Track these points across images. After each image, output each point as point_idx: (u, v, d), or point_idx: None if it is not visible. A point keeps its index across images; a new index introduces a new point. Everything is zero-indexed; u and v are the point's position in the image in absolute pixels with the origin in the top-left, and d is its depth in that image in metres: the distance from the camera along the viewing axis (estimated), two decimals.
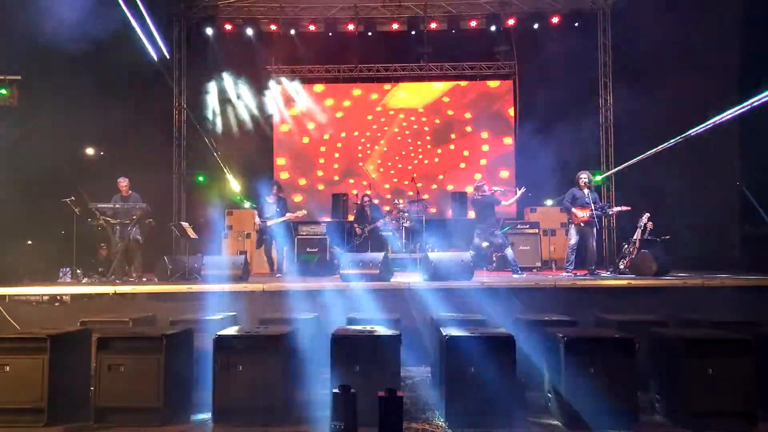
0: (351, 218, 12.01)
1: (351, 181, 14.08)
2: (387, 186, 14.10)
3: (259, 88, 13.88)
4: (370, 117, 14.27)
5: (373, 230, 11.00)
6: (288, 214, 9.72)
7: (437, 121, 14.22)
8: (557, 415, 4.80)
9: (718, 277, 7.53)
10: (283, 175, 14.11)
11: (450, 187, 13.84)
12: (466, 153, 14.13)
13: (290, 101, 14.18)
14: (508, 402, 4.62)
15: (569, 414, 4.60)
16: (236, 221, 12.23)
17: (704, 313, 6.06)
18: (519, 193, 9.28)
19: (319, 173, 14.26)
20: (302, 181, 14.22)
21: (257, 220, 9.86)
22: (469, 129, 14.14)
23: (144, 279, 8.57)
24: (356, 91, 14.34)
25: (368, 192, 11.77)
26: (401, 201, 12.10)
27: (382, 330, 5.00)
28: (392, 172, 14.18)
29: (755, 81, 8.75)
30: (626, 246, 9.35)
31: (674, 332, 5.00)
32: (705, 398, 4.55)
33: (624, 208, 9.31)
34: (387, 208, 11.60)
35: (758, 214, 9.32)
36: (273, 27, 13.56)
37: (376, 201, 12.39)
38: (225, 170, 12.95)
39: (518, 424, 4.60)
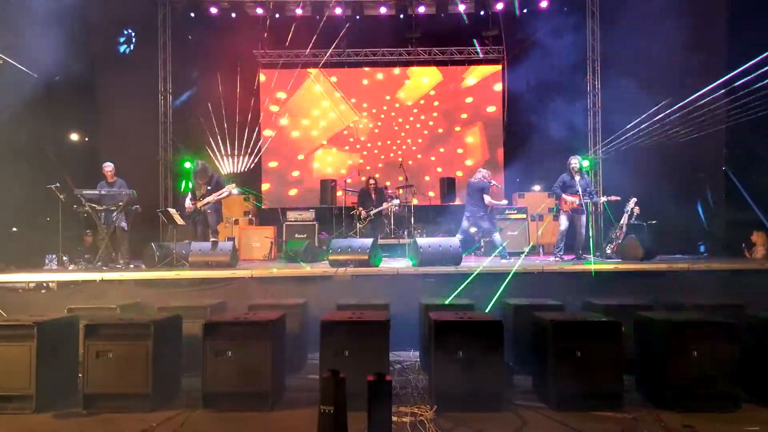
0: (341, 206, 11.99)
1: (343, 171, 14.02)
2: (369, 167, 14.05)
3: (245, 72, 13.73)
4: (355, 101, 14.21)
5: (377, 214, 10.93)
6: (216, 193, 8.94)
7: (425, 105, 14.18)
8: (544, 397, 4.86)
9: (704, 260, 7.60)
10: (272, 164, 14.04)
11: (440, 170, 13.86)
12: (455, 140, 14.12)
13: (277, 86, 14.06)
14: (495, 386, 4.67)
15: (556, 396, 4.66)
16: (224, 207, 12.11)
17: (690, 297, 6.15)
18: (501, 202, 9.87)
19: (300, 159, 14.18)
20: (290, 167, 14.13)
21: (188, 204, 8.97)
22: (458, 114, 14.12)
23: (131, 266, 8.51)
24: (343, 76, 14.24)
25: (372, 176, 11.63)
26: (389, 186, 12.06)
27: (371, 315, 5.02)
28: (381, 157, 14.15)
29: (742, 61, 8.81)
30: (613, 230, 9.41)
31: (660, 316, 5.06)
32: (690, 380, 4.62)
33: (613, 198, 9.20)
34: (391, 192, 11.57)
35: (743, 198, 9.43)
36: (259, 11, 13.39)
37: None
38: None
39: (506, 407, 4.66)
